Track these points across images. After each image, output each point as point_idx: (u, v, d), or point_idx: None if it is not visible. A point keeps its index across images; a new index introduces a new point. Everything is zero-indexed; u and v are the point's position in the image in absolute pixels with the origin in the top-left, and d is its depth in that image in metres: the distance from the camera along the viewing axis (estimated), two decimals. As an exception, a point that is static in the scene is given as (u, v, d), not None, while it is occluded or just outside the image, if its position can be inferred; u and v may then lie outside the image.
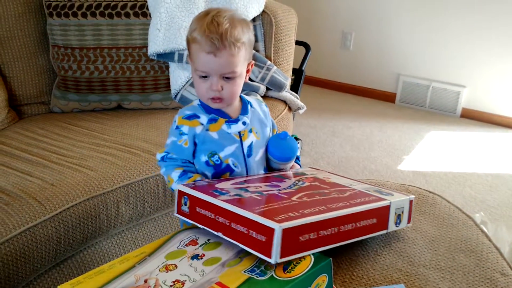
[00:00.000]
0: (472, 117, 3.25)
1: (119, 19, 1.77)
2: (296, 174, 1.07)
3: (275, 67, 1.94)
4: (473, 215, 1.83)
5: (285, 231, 0.72)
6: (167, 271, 0.75)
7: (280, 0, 2.19)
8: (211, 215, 0.83)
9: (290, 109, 2.02)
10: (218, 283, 0.71)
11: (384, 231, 0.96)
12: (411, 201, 1.02)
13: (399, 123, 3.16)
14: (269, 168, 1.12)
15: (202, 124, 1.01)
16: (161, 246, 0.83)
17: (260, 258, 0.78)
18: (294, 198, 0.87)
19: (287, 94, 2.00)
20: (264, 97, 1.93)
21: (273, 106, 1.89)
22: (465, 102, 3.26)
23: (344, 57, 3.67)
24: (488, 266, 0.96)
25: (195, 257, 0.79)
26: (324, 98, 3.61)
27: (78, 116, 1.79)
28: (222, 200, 0.82)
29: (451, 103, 3.29)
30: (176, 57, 1.78)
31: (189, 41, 0.98)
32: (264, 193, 0.89)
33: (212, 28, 0.93)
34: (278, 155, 1.08)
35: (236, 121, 1.03)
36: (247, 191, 0.89)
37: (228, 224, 0.80)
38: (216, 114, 1.03)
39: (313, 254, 0.78)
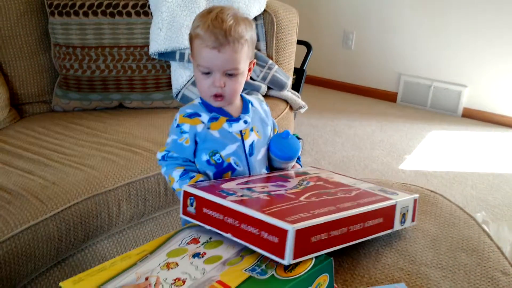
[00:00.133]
0: (474, 116, 3.24)
1: (121, 18, 1.77)
2: (298, 174, 1.07)
3: (276, 66, 1.93)
4: (475, 215, 1.83)
5: (298, 232, 0.72)
6: (168, 269, 0.75)
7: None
8: (219, 216, 0.82)
9: (291, 108, 2.03)
10: (219, 282, 0.71)
11: (390, 231, 0.96)
12: (415, 200, 1.02)
13: (401, 122, 3.16)
14: (271, 167, 1.12)
15: (203, 123, 1.01)
16: (162, 244, 0.83)
17: (261, 257, 0.78)
18: (302, 198, 0.87)
19: (288, 93, 2.00)
20: (266, 96, 1.93)
21: (275, 105, 1.89)
22: (467, 102, 3.25)
23: (346, 57, 3.67)
24: (489, 265, 0.96)
25: (196, 255, 0.79)
26: (325, 97, 3.61)
27: (79, 115, 1.79)
28: (231, 201, 0.81)
29: (453, 102, 3.28)
30: (177, 56, 1.78)
31: (192, 38, 0.98)
32: (272, 193, 0.88)
33: (217, 24, 0.93)
34: (280, 154, 1.07)
35: (237, 119, 1.03)
36: (253, 191, 0.89)
37: (237, 225, 0.79)
38: (217, 112, 1.03)
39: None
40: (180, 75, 1.81)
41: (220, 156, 1.01)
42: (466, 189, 2.32)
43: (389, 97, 3.54)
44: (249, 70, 1.03)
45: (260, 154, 1.06)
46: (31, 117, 1.80)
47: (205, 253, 0.80)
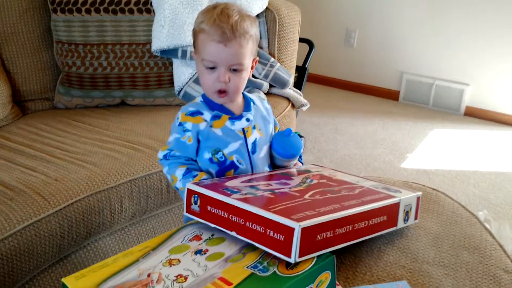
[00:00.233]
0: (476, 115, 3.24)
1: (123, 15, 1.77)
2: (300, 172, 1.07)
3: (278, 64, 1.93)
4: (477, 213, 1.83)
5: (304, 230, 0.72)
6: (171, 266, 0.75)
7: (284, -3, 2.19)
8: (224, 214, 0.82)
9: (293, 106, 2.02)
10: (221, 279, 0.71)
11: (394, 228, 0.96)
12: (418, 198, 1.02)
13: (403, 121, 3.15)
14: (273, 165, 1.11)
15: (206, 121, 1.01)
16: (165, 241, 0.83)
17: (263, 254, 0.78)
18: (306, 196, 0.86)
19: (290, 91, 2.00)
20: (267, 94, 1.93)
21: (276, 103, 1.89)
22: (469, 100, 3.25)
23: (348, 55, 3.66)
24: (491, 263, 0.96)
25: (199, 252, 0.79)
26: (327, 95, 3.60)
27: (81, 112, 1.79)
28: (236, 199, 0.81)
29: (455, 101, 3.28)
30: (179, 54, 1.78)
31: (196, 33, 0.98)
32: (276, 191, 0.88)
33: (223, 19, 0.94)
34: (282, 152, 1.07)
35: (239, 117, 1.03)
36: (258, 189, 0.88)
37: (243, 223, 0.79)
38: (220, 110, 1.02)
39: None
40: (182, 72, 1.81)
41: (223, 154, 1.01)
42: (468, 187, 2.32)
43: (391, 95, 3.54)
44: (252, 67, 1.03)
45: (262, 152, 1.06)
46: (34, 114, 1.80)
47: (207, 250, 0.80)
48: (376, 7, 3.43)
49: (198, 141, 1.02)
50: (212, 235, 0.85)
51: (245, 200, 0.81)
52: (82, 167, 1.34)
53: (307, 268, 0.74)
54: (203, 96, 1.05)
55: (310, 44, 2.37)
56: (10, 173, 1.30)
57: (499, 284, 0.90)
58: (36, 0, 1.79)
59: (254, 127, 1.05)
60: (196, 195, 0.88)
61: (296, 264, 0.74)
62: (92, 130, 1.61)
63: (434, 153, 2.70)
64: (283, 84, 1.94)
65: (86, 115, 1.75)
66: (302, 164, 1.17)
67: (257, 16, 1.92)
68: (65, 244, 1.23)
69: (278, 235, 0.73)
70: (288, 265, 0.75)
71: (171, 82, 1.86)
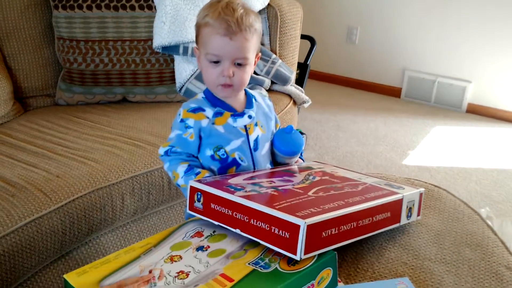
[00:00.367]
0: (478, 112, 3.23)
1: (124, 11, 1.76)
2: (302, 169, 1.07)
3: (280, 61, 1.93)
4: (479, 210, 1.83)
5: (310, 227, 0.72)
6: (172, 262, 0.75)
7: (286, -6, 2.18)
8: (228, 212, 0.82)
9: (295, 103, 2.02)
10: (222, 275, 0.71)
11: (397, 225, 0.95)
12: (421, 194, 1.02)
13: (405, 118, 3.15)
14: (274, 162, 1.11)
15: (208, 118, 1.00)
16: (166, 237, 0.83)
17: (265, 251, 0.78)
18: (310, 193, 0.86)
19: (292, 88, 1.99)
20: (269, 90, 1.92)
21: (278, 99, 1.89)
22: (471, 97, 3.24)
23: (350, 52, 3.66)
24: (493, 260, 0.96)
25: (200, 248, 0.79)
26: (329, 92, 3.60)
27: (83, 109, 1.79)
28: (240, 196, 0.81)
29: (457, 98, 3.27)
30: (181, 50, 1.78)
31: (200, 26, 0.98)
32: (279, 188, 0.88)
33: (228, 12, 0.93)
34: (284, 149, 1.07)
35: (241, 114, 1.03)
36: (261, 186, 0.88)
37: (247, 220, 0.79)
38: (222, 107, 1.02)
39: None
40: (183, 69, 1.81)
41: (225, 151, 1.01)
42: (470, 184, 2.32)
43: (393, 92, 3.53)
44: (254, 63, 1.03)
45: (264, 149, 1.06)
46: (35, 111, 1.80)
47: (208, 247, 0.80)
48: (378, 4, 3.42)
49: (200, 138, 1.01)
50: (214, 232, 0.85)
51: (249, 197, 0.81)
52: (83, 164, 1.34)
53: (309, 264, 0.74)
54: (205, 92, 1.05)
55: (312, 41, 2.37)
56: (12, 169, 1.31)
57: (501, 281, 0.90)
58: (37, -4, 1.79)
59: (256, 124, 1.04)
60: (199, 193, 0.88)
61: (298, 260, 0.74)
62: (93, 126, 1.61)
63: (436, 150, 2.70)
64: (284, 80, 1.94)
65: (88, 112, 1.75)
66: (303, 161, 1.17)
67: (259, 12, 1.92)
68: (67, 240, 1.23)
69: (283, 232, 0.73)
70: (290, 262, 0.75)
71: (172, 79, 1.86)
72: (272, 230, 0.75)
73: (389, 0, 3.37)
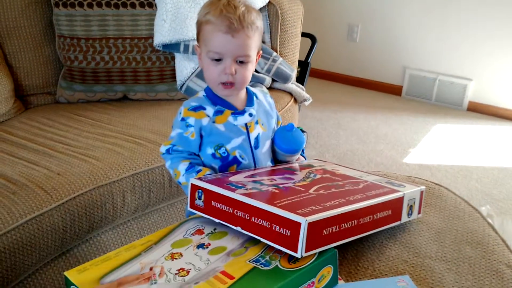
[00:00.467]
0: (479, 110, 3.23)
1: (125, 9, 1.76)
2: (303, 166, 1.07)
3: (281, 59, 1.93)
4: (479, 208, 1.83)
5: (311, 225, 0.72)
6: (173, 259, 0.75)
7: (287, -9, 2.18)
8: (229, 209, 0.82)
9: (295, 101, 2.02)
10: (223, 272, 0.71)
11: (398, 223, 0.95)
12: (421, 192, 1.02)
13: (405, 116, 3.14)
14: (275, 160, 1.11)
15: (209, 116, 1.00)
16: (167, 235, 0.83)
17: (265, 248, 0.78)
18: (311, 191, 0.86)
19: (292, 85, 1.99)
20: (270, 88, 1.92)
21: (279, 97, 1.89)
22: (472, 95, 3.24)
23: (351, 50, 3.65)
24: (494, 258, 0.96)
25: (201, 246, 0.79)
26: (330, 90, 3.60)
27: (84, 107, 1.79)
28: (241, 194, 0.81)
29: (458, 96, 3.26)
30: (181, 48, 1.78)
31: (201, 24, 0.97)
32: (280, 186, 0.88)
33: (230, 10, 0.93)
34: (285, 147, 1.07)
35: (242, 112, 1.03)
36: (262, 184, 0.88)
37: (248, 218, 0.79)
38: (222, 105, 1.02)
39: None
40: (184, 67, 1.81)
41: (226, 149, 1.01)
42: (470, 182, 2.32)
43: (394, 90, 3.53)
44: (255, 61, 1.03)
45: (265, 147, 1.06)
46: (36, 109, 1.80)
47: (209, 244, 0.80)
48: (379, 2, 3.42)
49: (201, 136, 1.01)
50: (214, 229, 0.85)
51: (250, 195, 0.81)
52: (84, 161, 1.34)
53: (309, 262, 0.74)
54: (206, 90, 1.04)
55: (313, 39, 2.36)
56: (13, 167, 1.31)
57: (502, 279, 0.90)
58: (38, -6, 1.79)
59: (256, 122, 1.04)
60: (200, 190, 0.88)
61: (298, 258, 0.74)
62: (94, 124, 1.61)
63: (436, 148, 2.70)
64: (285, 78, 1.94)
65: (88, 110, 1.75)
66: (305, 158, 1.17)
67: (260, 10, 1.91)
68: (68, 238, 1.23)
69: (284, 230, 0.73)
70: (291, 259, 0.75)
71: (173, 77, 1.86)
72: (273, 228, 0.75)
73: (390, -2, 3.37)
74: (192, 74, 1.81)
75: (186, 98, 1.78)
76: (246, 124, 1.02)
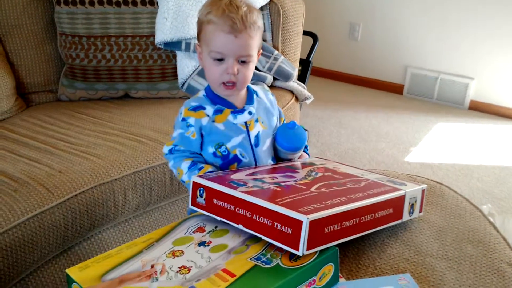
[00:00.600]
0: (480, 109, 3.22)
1: (127, 7, 1.76)
2: (305, 164, 1.07)
3: (282, 57, 1.93)
4: (481, 207, 1.83)
5: (312, 223, 0.72)
6: (174, 257, 0.75)
7: (288, -10, 2.17)
8: (230, 207, 0.82)
9: (297, 99, 2.02)
10: (224, 270, 0.71)
11: (399, 221, 0.95)
12: (423, 191, 1.02)
13: (407, 114, 3.14)
14: (276, 158, 1.11)
15: (208, 116, 1.01)
16: (168, 233, 0.83)
17: (267, 246, 0.78)
18: (312, 189, 0.86)
19: (294, 84, 1.99)
20: (271, 87, 1.92)
21: (280, 96, 1.89)
22: (473, 94, 3.23)
23: (352, 48, 3.65)
24: (495, 257, 0.96)
25: (202, 243, 0.79)
26: (331, 89, 3.59)
27: (85, 105, 1.79)
28: (243, 192, 0.81)
29: (459, 95, 3.26)
30: (183, 46, 1.78)
31: (202, 23, 0.97)
32: (282, 184, 0.88)
33: (232, 10, 0.92)
34: (286, 145, 1.07)
35: (242, 111, 1.03)
36: (264, 182, 0.88)
37: (249, 216, 0.79)
38: (222, 104, 1.02)
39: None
40: (186, 65, 1.81)
41: (226, 148, 1.01)
42: (472, 181, 2.31)
43: (396, 89, 3.52)
44: (256, 59, 1.03)
45: (265, 145, 1.06)
46: (37, 106, 1.80)
47: (210, 242, 0.80)
48: (380, 1, 3.41)
49: (202, 135, 1.01)
50: (216, 227, 0.85)
51: (251, 193, 0.81)
52: (85, 159, 1.35)
53: (311, 260, 0.74)
54: (206, 90, 1.04)
55: (314, 37, 2.36)
56: (14, 164, 1.31)
57: (503, 278, 0.90)
58: (39, -8, 1.79)
59: (256, 120, 1.04)
60: (201, 188, 0.88)
61: (300, 256, 0.74)
62: (95, 122, 1.61)
63: (438, 147, 2.69)
64: (287, 77, 1.94)
65: (90, 108, 1.75)
66: (309, 155, 1.17)
67: (261, 8, 1.91)
68: (69, 235, 1.23)
69: (286, 228, 0.73)
70: (292, 257, 0.75)
71: (174, 75, 1.86)
72: (275, 226, 0.75)
73: (392, -4, 3.36)
74: (193, 72, 1.81)
75: (187, 96, 1.78)
76: (245, 123, 1.02)
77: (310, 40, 2.36)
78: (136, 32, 1.78)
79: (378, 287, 0.80)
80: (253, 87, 1.10)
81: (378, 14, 3.45)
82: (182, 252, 0.76)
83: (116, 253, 0.76)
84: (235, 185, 0.85)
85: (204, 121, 1.00)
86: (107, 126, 1.58)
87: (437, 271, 0.90)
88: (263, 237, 0.77)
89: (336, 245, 0.78)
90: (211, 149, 1.01)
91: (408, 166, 2.45)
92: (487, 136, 2.87)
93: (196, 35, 1.07)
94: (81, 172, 1.29)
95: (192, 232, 0.83)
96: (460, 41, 3.18)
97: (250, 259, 0.74)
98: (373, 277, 0.88)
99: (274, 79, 1.94)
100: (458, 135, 2.86)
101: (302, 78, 2.30)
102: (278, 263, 0.73)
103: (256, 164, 1.04)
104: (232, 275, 0.70)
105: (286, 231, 0.73)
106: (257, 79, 1.85)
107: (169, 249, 0.78)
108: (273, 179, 0.91)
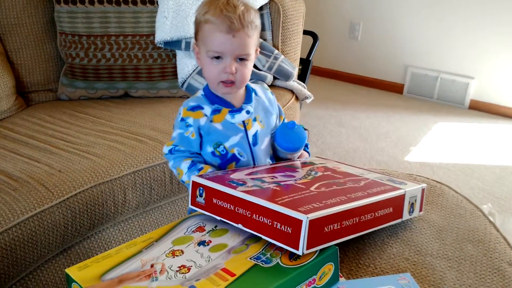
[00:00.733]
0: (481, 108, 3.22)
1: (127, 6, 1.76)
2: (304, 164, 1.06)
3: (282, 56, 1.92)
4: (481, 207, 1.83)
5: (312, 222, 0.72)
6: (174, 257, 0.75)
7: (288, -11, 2.17)
8: (230, 207, 0.82)
9: (297, 98, 2.02)
10: (224, 269, 0.71)
11: (399, 220, 0.95)
12: (423, 190, 1.02)
13: (407, 114, 3.14)
14: (276, 157, 1.11)
15: (206, 115, 1.01)
16: (168, 232, 0.83)
17: (266, 246, 0.78)
18: (312, 188, 0.86)
19: (294, 83, 1.99)
20: (271, 86, 1.92)
21: (280, 95, 1.89)
22: (474, 94, 3.23)
23: (352, 48, 3.65)
24: (495, 257, 0.96)
25: (202, 243, 0.79)
26: (331, 88, 3.59)
27: (85, 104, 1.79)
28: (242, 191, 0.81)
29: (460, 94, 3.26)
30: (183, 45, 1.78)
31: (200, 23, 0.97)
32: (282, 183, 0.88)
33: (230, 9, 0.93)
34: (286, 145, 1.06)
35: (239, 110, 1.03)
36: (264, 181, 0.88)
37: (249, 215, 0.78)
38: (220, 104, 1.02)
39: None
40: (185, 64, 1.81)
41: (224, 147, 1.01)
42: (472, 181, 2.31)
43: (396, 88, 3.52)
44: (254, 57, 1.03)
45: (264, 144, 1.06)
46: (37, 105, 1.80)
47: (210, 241, 0.80)
48: (381, 0, 3.41)
49: (201, 135, 1.01)
50: (215, 227, 0.85)
51: (251, 192, 0.81)
52: (85, 158, 1.34)
53: (310, 259, 0.74)
54: (204, 89, 1.05)
55: (314, 37, 2.36)
56: (14, 163, 1.31)
57: (503, 277, 0.90)
58: (39, -9, 1.79)
59: (254, 119, 1.04)
60: (201, 188, 0.88)
61: (299, 255, 0.74)
62: (95, 121, 1.61)
63: (438, 146, 2.69)
64: (287, 76, 1.94)
65: (90, 107, 1.75)
66: (309, 154, 1.17)
67: (261, 7, 1.91)
68: (69, 235, 1.23)
69: (286, 227, 0.73)
70: (291, 257, 0.75)
71: (174, 74, 1.86)
72: (274, 225, 0.75)
73: (392, -5, 3.36)
74: (193, 71, 1.81)
75: (187, 95, 1.78)
76: (243, 122, 1.02)
77: (310, 39, 2.35)
78: (136, 31, 1.78)
79: (378, 287, 0.80)
80: (252, 85, 1.10)
81: (378, 14, 3.45)
82: (182, 252, 0.76)
83: (116, 252, 0.76)
84: (234, 184, 0.85)
85: (202, 121, 1.00)
86: (106, 125, 1.58)
87: (437, 270, 0.90)
88: (263, 237, 0.77)
89: (336, 245, 0.78)
90: (209, 149, 1.01)
91: (408, 165, 2.45)
92: (487, 136, 2.87)
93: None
94: (81, 171, 1.29)
95: (192, 231, 0.83)
96: (460, 40, 3.18)
97: (250, 258, 0.74)
98: (373, 276, 0.88)
99: (274, 78, 1.94)
100: (458, 135, 2.86)
101: (302, 77, 2.30)
102: (278, 262, 0.73)
103: (254, 163, 1.04)
104: (232, 274, 0.70)
105: (286, 230, 0.73)
106: (257, 78, 1.85)
107: (169, 248, 0.77)
108: (272, 178, 0.91)
